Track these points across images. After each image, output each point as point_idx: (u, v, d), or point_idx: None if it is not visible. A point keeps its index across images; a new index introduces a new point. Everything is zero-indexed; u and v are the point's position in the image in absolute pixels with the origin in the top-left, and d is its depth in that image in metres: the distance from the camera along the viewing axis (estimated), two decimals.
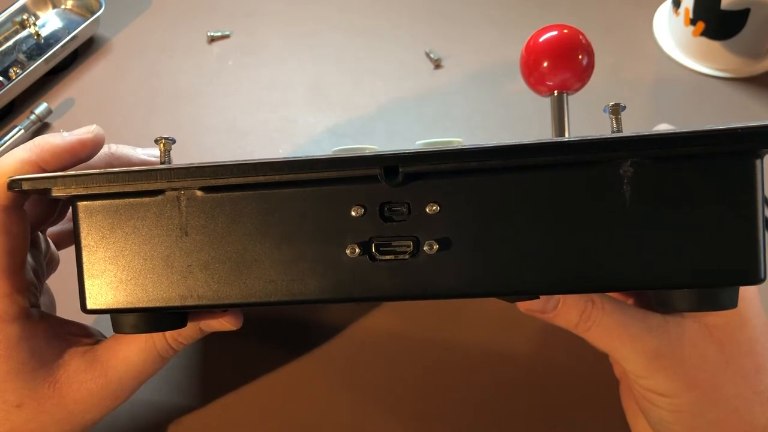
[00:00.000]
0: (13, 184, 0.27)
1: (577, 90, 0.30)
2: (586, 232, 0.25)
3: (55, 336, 0.31)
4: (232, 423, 0.38)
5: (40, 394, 0.30)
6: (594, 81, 0.53)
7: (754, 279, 0.25)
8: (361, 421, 0.38)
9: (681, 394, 0.29)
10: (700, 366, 0.28)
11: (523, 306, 0.30)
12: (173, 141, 0.30)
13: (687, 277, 0.25)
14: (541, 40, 0.30)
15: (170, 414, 0.38)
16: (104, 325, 0.34)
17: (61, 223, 0.35)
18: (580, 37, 0.30)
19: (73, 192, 0.27)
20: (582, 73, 0.30)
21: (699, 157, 0.24)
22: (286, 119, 0.51)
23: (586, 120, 0.44)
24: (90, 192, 0.27)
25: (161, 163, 0.30)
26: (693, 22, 0.52)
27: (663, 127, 0.34)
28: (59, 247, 0.36)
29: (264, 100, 0.53)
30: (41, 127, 0.51)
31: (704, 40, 0.52)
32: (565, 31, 0.30)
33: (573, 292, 0.27)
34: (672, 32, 0.55)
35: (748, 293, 0.29)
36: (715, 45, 0.52)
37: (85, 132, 0.31)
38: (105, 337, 0.33)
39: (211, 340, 0.35)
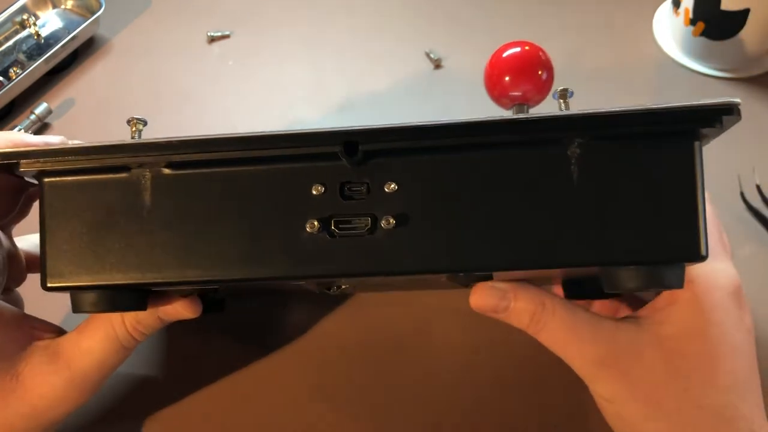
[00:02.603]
0: None
1: (537, 102, 0.32)
2: (536, 211, 0.26)
3: (17, 328, 0.31)
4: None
5: (3, 389, 0.30)
6: (594, 81, 0.53)
7: (695, 256, 0.25)
8: (360, 422, 0.38)
9: (623, 402, 0.29)
10: (642, 377, 0.29)
11: (475, 305, 0.30)
12: (145, 123, 0.31)
13: (630, 254, 0.26)
14: (504, 55, 0.32)
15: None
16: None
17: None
18: (540, 53, 0.32)
19: (41, 167, 0.27)
20: (541, 87, 0.31)
21: (643, 138, 0.25)
22: (286, 119, 0.51)
23: None
24: (57, 168, 0.27)
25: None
26: (693, 22, 0.51)
27: None
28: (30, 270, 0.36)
29: (264, 100, 0.53)
30: (41, 127, 0.51)
31: (704, 40, 0.52)
32: (527, 47, 0.32)
33: (524, 269, 0.28)
34: (672, 32, 0.55)
35: (710, 303, 0.29)
36: (715, 45, 0.51)
37: (52, 137, 0.32)
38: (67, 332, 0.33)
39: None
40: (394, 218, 0.26)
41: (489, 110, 0.51)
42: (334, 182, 0.27)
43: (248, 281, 0.28)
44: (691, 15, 0.52)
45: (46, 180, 0.28)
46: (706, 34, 0.51)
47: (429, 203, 0.26)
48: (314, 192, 0.27)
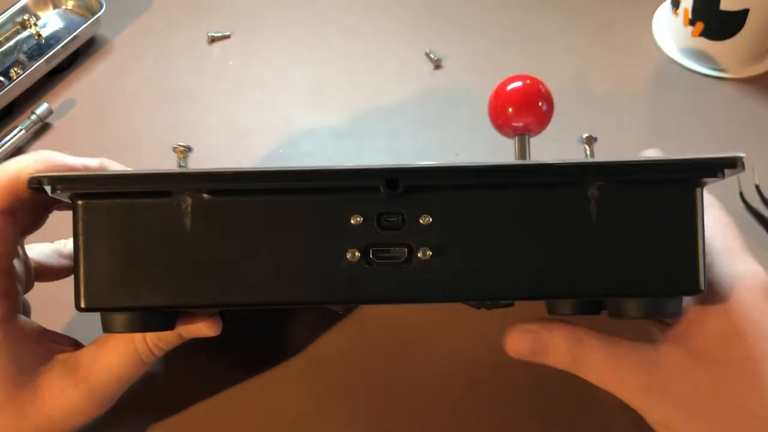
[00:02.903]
0: (33, 181, 0.28)
1: (538, 133, 0.34)
2: (560, 245, 0.28)
3: (37, 342, 0.31)
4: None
5: (21, 400, 0.30)
6: (593, 82, 0.53)
7: (695, 290, 0.28)
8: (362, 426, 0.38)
9: (680, 426, 0.29)
10: (691, 396, 0.28)
11: (513, 352, 0.31)
12: (191, 149, 0.32)
13: (639, 287, 0.28)
14: (507, 89, 0.34)
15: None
16: (82, 334, 0.34)
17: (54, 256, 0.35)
18: (540, 86, 0.34)
19: (79, 190, 0.28)
20: (542, 118, 0.34)
21: (652, 183, 0.28)
22: (286, 119, 0.51)
23: (586, 120, 0.44)
24: (94, 191, 0.28)
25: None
26: (692, 22, 0.52)
27: (650, 153, 0.36)
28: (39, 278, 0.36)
29: (264, 100, 0.53)
30: (42, 128, 0.51)
31: (703, 40, 0.52)
32: (528, 81, 0.34)
33: (548, 298, 0.30)
34: (671, 33, 0.55)
35: (741, 305, 0.29)
36: (714, 45, 0.52)
37: (91, 160, 0.32)
38: (84, 345, 0.33)
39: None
40: (432, 249, 0.28)
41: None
42: (372, 213, 0.28)
43: (286, 305, 0.29)
44: (690, 15, 0.52)
45: (80, 202, 0.28)
46: (705, 34, 0.51)
47: (460, 236, 0.28)
48: (353, 221, 0.28)
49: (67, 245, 0.36)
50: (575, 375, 0.30)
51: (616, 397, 0.35)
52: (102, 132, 0.51)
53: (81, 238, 0.28)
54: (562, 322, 0.30)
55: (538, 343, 0.30)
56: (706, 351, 0.28)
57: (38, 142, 0.50)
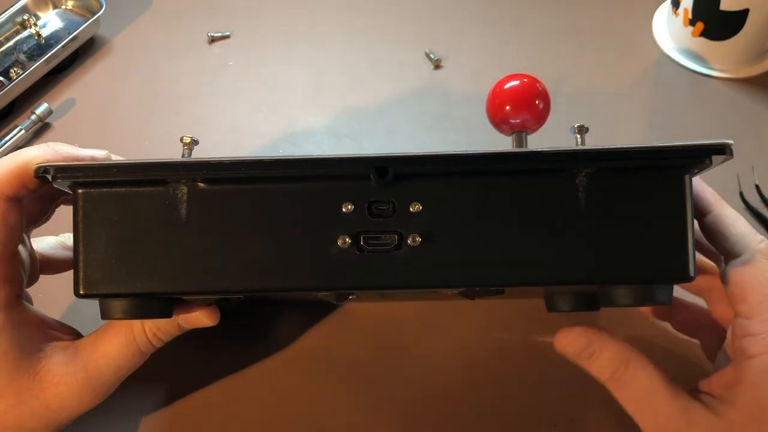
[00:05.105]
0: (40, 170, 0.28)
1: (535, 130, 0.35)
2: (549, 232, 0.28)
3: (38, 329, 0.32)
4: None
5: (19, 386, 0.30)
6: (593, 82, 0.53)
7: (684, 277, 0.28)
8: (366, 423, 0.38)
9: None
10: None
11: (560, 348, 0.31)
12: (197, 142, 0.32)
13: (628, 274, 0.28)
14: (505, 87, 0.35)
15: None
16: (83, 324, 0.34)
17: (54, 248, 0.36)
18: (538, 85, 0.35)
19: (81, 179, 0.28)
20: (539, 116, 0.34)
21: (641, 171, 0.28)
22: (286, 119, 0.51)
23: (585, 119, 0.44)
24: (95, 179, 0.28)
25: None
26: (692, 22, 0.52)
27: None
28: (44, 271, 0.36)
29: (264, 100, 0.53)
30: (42, 128, 0.51)
31: (703, 40, 0.52)
32: (525, 80, 0.35)
33: (538, 285, 0.30)
34: (671, 32, 0.55)
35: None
36: (714, 45, 0.52)
37: (98, 151, 0.32)
38: (84, 335, 0.33)
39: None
40: (421, 236, 0.28)
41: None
42: (363, 201, 0.28)
43: (279, 292, 0.29)
44: (690, 15, 0.52)
45: (81, 191, 0.29)
46: (705, 34, 0.51)
47: (450, 223, 0.28)
48: (344, 209, 0.28)
49: (71, 238, 0.36)
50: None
51: (610, 396, 0.35)
52: (102, 132, 0.51)
53: (80, 226, 0.29)
54: (616, 338, 0.31)
55: (587, 350, 0.31)
56: (736, 426, 0.28)
57: (38, 142, 0.50)
